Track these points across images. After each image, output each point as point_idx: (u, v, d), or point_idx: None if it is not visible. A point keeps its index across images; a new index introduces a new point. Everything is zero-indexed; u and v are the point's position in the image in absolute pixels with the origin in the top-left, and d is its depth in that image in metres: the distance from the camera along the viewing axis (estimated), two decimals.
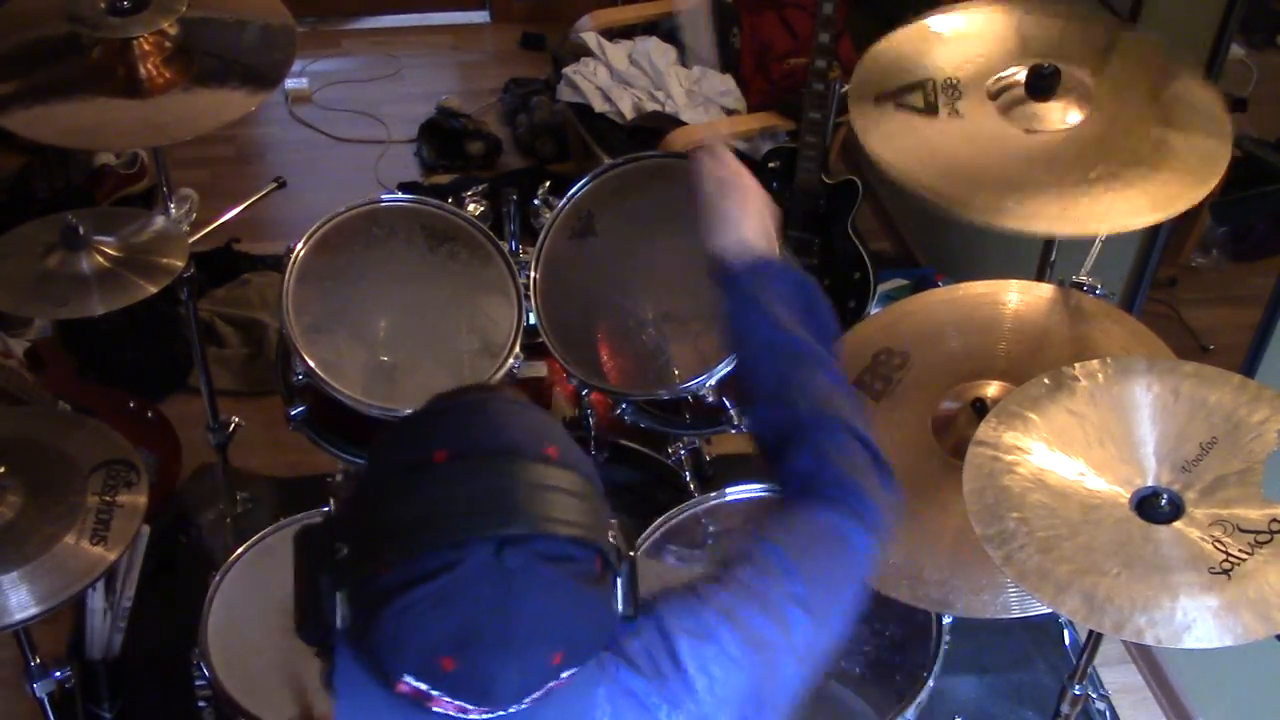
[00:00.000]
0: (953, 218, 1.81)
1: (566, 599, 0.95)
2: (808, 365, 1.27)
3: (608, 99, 3.49)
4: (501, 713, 0.96)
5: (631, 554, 1.03)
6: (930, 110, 1.92)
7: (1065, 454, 1.52)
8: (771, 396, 1.27)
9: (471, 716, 0.96)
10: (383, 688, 0.97)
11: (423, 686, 0.94)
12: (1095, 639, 1.74)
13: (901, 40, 2.02)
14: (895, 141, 1.90)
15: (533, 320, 2.13)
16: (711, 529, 2.01)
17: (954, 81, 1.94)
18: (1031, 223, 1.79)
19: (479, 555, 0.92)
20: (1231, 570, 1.38)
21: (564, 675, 0.97)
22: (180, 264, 2.09)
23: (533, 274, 2.14)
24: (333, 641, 1.01)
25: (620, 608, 1.01)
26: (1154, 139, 1.84)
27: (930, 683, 1.81)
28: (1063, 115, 1.89)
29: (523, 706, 0.97)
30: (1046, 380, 1.61)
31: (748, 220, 1.39)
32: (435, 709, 0.96)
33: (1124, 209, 1.80)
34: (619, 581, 1.01)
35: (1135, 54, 1.99)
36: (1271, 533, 1.40)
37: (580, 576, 0.96)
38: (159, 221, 2.17)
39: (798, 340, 1.28)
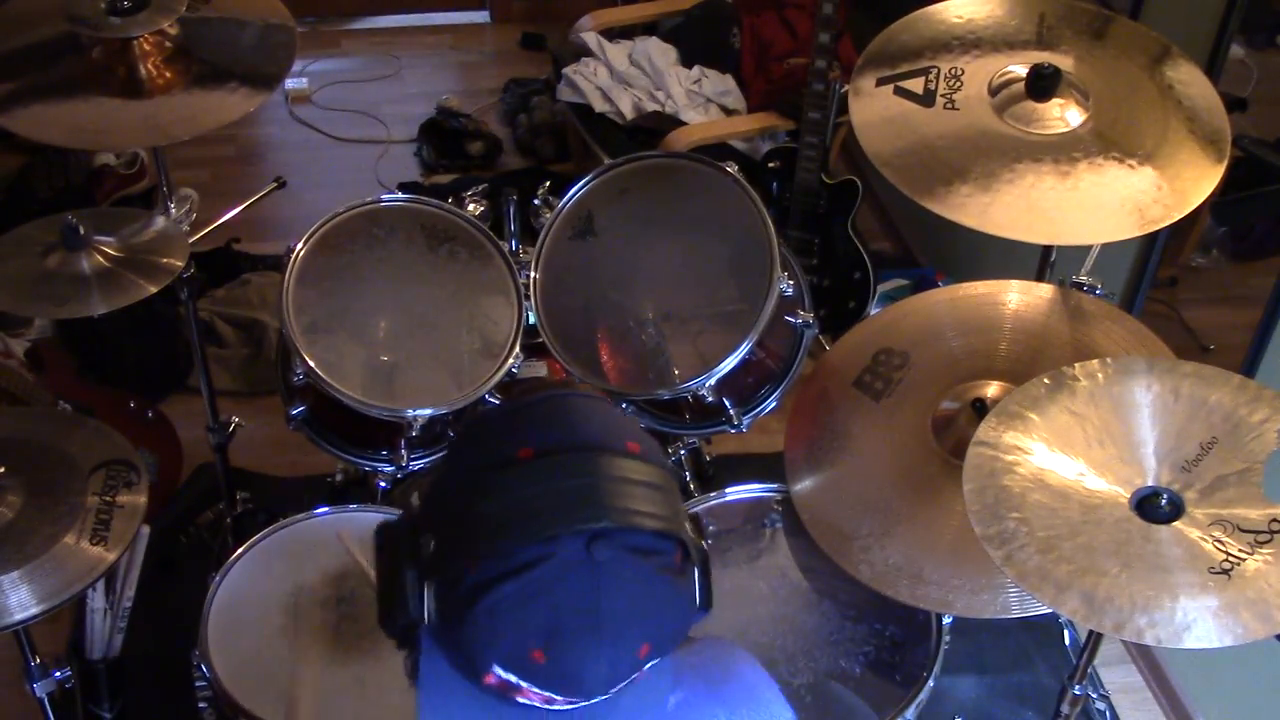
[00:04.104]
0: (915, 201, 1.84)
1: (653, 591, 0.97)
2: None
3: (608, 99, 3.49)
4: (586, 702, 0.98)
5: (704, 546, 1.05)
6: (927, 100, 1.93)
7: (1065, 454, 1.52)
8: None
9: (558, 705, 0.97)
10: (469, 679, 0.98)
11: (512, 678, 0.95)
12: (1095, 639, 1.74)
13: (921, 17, 2.03)
14: (879, 119, 1.93)
15: (533, 320, 2.13)
16: (711, 529, 2.01)
17: (958, 71, 1.95)
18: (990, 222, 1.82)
19: (569, 549, 0.94)
20: (1231, 570, 1.38)
21: (647, 667, 0.99)
22: (180, 264, 2.09)
23: (533, 274, 2.14)
24: (416, 634, 1.01)
25: (697, 600, 1.03)
26: (1149, 149, 1.85)
27: (930, 683, 1.81)
28: (1062, 113, 1.90)
29: (608, 695, 0.98)
30: (1046, 380, 1.61)
31: None
32: (521, 699, 0.97)
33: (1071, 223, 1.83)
34: (697, 575, 1.02)
35: (1140, 49, 2.00)
36: (1271, 533, 1.40)
37: (665, 569, 0.99)
38: (159, 221, 2.16)
39: None
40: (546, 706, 0.98)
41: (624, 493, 0.97)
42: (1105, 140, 1.87)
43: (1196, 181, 1.82)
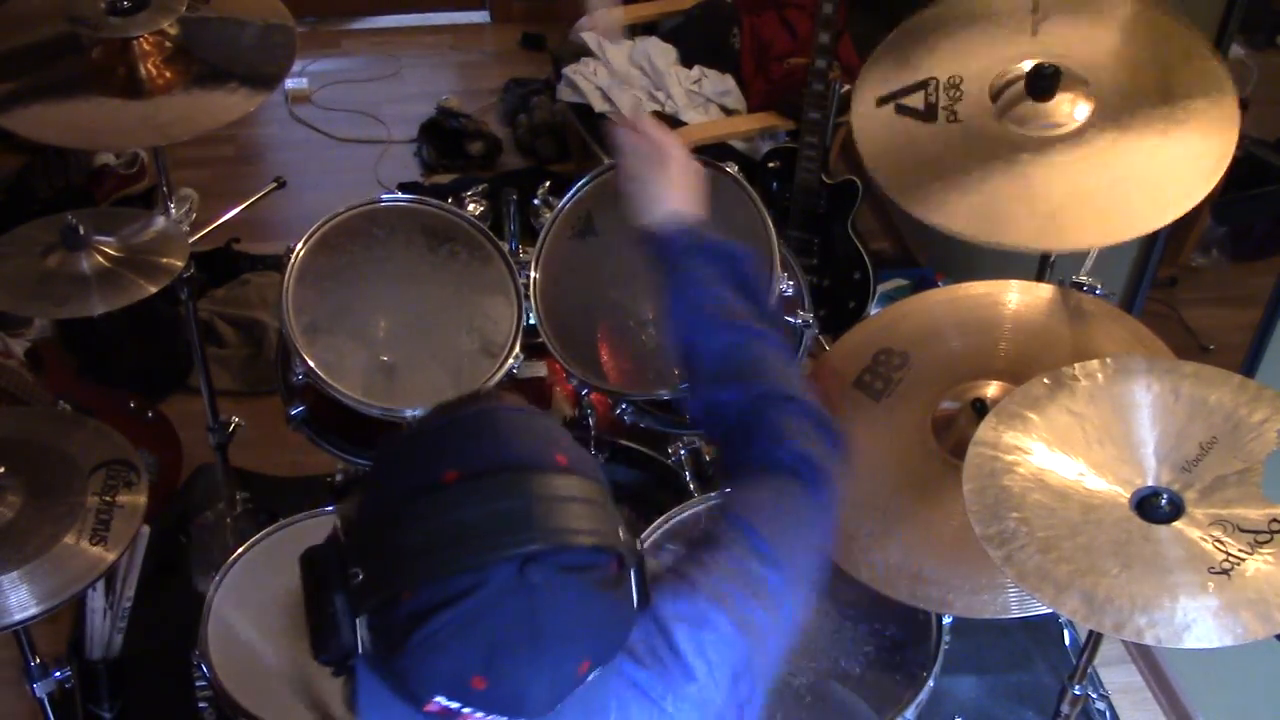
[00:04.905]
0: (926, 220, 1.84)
1: (590, 606, 0.96)
2: (746, 337, 1.30)
3: (608, 99, 3.49)
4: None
5: (640, 547, 1.04)
6: (929, 115, 1.92)
7: (1065, 454, 1.52)
8: (715, 378, 1.29)
9: None
10: (410, 707, 0.97)
11: (454, 705, 0.94)
12: (1095, 639, 1.74)
13: (911, 27, 2.03)
14: (886, 147, 1.93)
15: (533, 320, 2.13)
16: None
17: (957, 80, 1.94)
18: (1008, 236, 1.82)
19: (502, 575, 0.92)
20: (1231, 570, 1.38)
21: (588, 680, 0.98)
22: (180, 264, 2.09)
23: (533, 274, 2.14)
24: (352, 662, 1.00)
25: (635, 603, 1.02)
26: (1158, 131, 1.84)
27: (930, 683, 1.81)
28: (1071, 109, 1.89)
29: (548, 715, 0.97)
30: (1046, 380, 1.61)
31: (673, 190, 1.38)
32: None
33: (1094, 227, 1.82)
34: (633, 577, 1.02)
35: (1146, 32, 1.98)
36: (1271, 533, 1.40)
37: (601, 582, 0.97)
38: (159, 221, 2.17)
39: (734, 313, 1.31)
40: None
41: (554, 512, 0.95)
42: (1116, 128, 1.85)
43: (1220, 145, 1.80)
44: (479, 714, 0.95)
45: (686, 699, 1.06)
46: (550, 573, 0.93)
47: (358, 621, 0.96)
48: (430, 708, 0.95)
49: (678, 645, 1.07)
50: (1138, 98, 1.87)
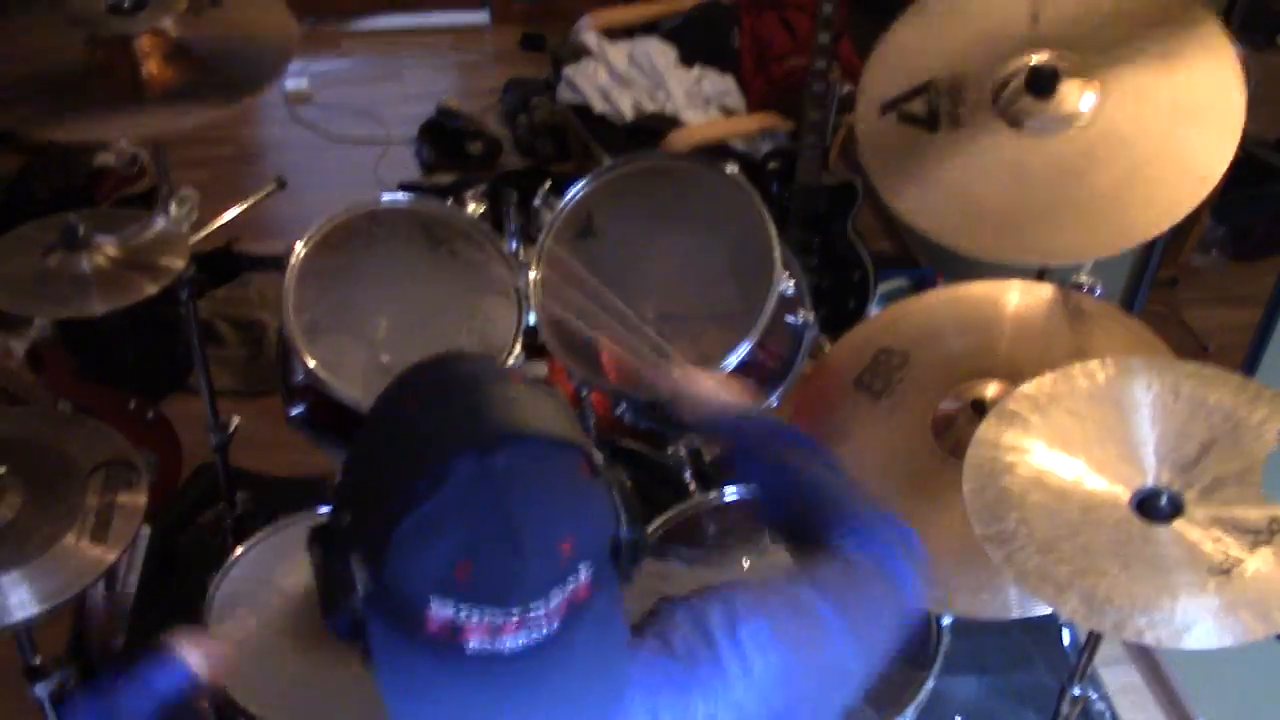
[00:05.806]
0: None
1: (558, 487, 0.98)
2: (827, 502, 1.36)
3: (608, 99, 3.49)
4: (536, 633, 0.97)
5: (624, 480, 1.06)
6: (932, 122, 1.91)
7: (1065, 454, 1.52)
8: (802, 531, 1.34)
9: (505, 643, 0.96)
10: (415, 635, 0.97)
11: (449, 610, 0.94)
12: (1095, 639, 1.74)
13: (906, 31, 2.02)
14: (898, 171, 1.93)
15: (533, 320, 2.13)
16: (712, 529, 2.01)
17: (958, 83, 1.94)
18: (1027, 256, 1.82)
19: (463, 468, 0.95)
20: (1231, 570, 1.38)
21: (582, 574, 0.98)
22: (180, 264, 2.09)
23: (533, 274, 2.14)
24: (361, 620, 1.01)
25: (623, 523, 1.03)
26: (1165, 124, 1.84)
27: (930, 683, 1.81)
28: (1077, 100, 1.88)
29: (554, 626, 0.97)
30: (1047, 380, 1.61)
31: (716, 391, 1.60)
32: (470, 643, 0.95)
33: (1120, 228, 1.82)
34: (613, 492, 1.03)
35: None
36: (1271, 533, 1.40)
37: (567, 470, 1.00)
38: (159, 222, 2.16)
39: (807, 481, 1.39)
40: (496, 647, 0.96)
41: (507, 408, 0.99)
42: (1122, 115, 1.85)
43: (1225, 136, 1.82)
44: (475, 616, 0.95)
45: (718, 700, 1.07)
46: (512, 459, 0.96)
47: (353, 562, 0.98)
48: (431, 627, 0.95)
49: (716, 640, 1.08)
50: (1142, 78, 1.87)
